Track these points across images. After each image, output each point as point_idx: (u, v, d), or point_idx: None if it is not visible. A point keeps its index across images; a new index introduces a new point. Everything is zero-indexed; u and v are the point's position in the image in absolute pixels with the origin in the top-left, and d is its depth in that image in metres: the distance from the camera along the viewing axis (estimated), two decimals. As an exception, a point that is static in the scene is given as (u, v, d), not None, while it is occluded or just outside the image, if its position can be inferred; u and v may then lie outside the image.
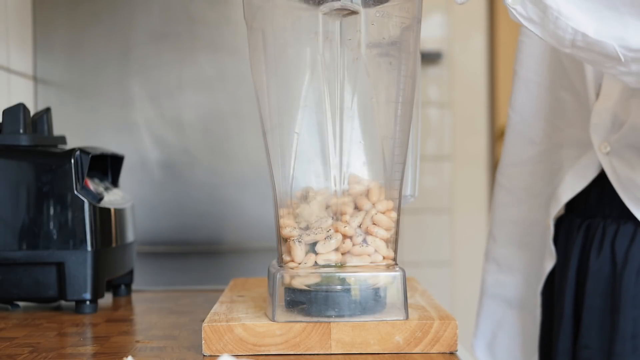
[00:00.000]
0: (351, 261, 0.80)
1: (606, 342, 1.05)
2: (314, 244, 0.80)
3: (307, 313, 0.79)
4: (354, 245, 0.80)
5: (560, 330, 1.12)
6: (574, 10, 0.81)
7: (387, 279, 0.80)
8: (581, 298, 1.10)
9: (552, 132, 1.19)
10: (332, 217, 0.81)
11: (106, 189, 1.13)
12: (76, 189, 1.03)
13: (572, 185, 1.12)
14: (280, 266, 0.81)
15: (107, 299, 1.14)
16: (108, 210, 1.07)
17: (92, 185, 1.07)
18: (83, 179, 1.04)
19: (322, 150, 0.82)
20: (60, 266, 1.02)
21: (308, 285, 0.79)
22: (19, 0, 1.59)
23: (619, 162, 1.06)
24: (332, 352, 0.78)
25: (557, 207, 1.15)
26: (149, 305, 1.12)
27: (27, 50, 1.63)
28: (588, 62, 0.87)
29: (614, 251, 1.06)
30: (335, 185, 0.82)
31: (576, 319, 1.11)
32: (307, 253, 0.80)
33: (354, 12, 0.81)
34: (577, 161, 1.13)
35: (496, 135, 2.50)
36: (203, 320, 0.80)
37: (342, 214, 0.81)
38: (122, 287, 1.17)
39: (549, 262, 1.16)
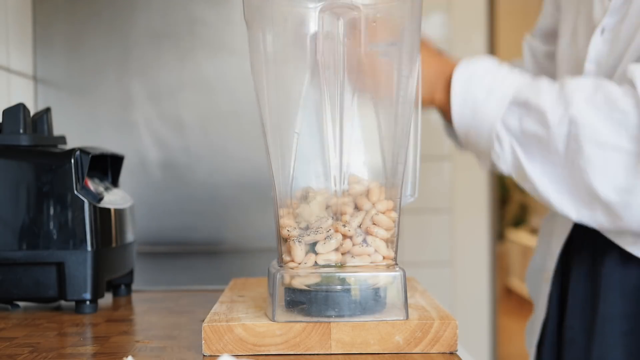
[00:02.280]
0: (351, 261, 0.80)
1: (587, 323, 1.11)
2: (314, 244, 0.80)
3: (307, 313, 0.79)
4: (354, 245, 0.80)
5: (549, 313, 1.19)
6: None
7: (387, 279, 0.80)
8: (567, 284, 1.16)
9: None
10: (332, 217, 0.81)
11: (106, 189, 1.13)
12: (76, 189, 1.03)
13: (559, 233, 1.17)
14: (280, 266, 0.81)
15: (107, 299, 1.14)
16: (108, 210, 1.07)
17: (92, 185, 1.07)
18: (83, 179, 1.04)
19: (322, 150, 0.82)
20: (60, 266, 1.02)
21: (308, 285, 0.79)
22: (19, 0, 1.59)
23: None
24: (332, 352, 0.78)
25: (553, 260, 1.19)
26: (149, 305, 1.12)
27: (27, 50, 1.63)
28: None
29: (595, 240, 1.10)
30: (335, 185, 0.82)
31: (562, 304, 1.18)
32: (307, 253, 0.80)
33: (354, 12, 0.81)
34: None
35: (496, 135, 2.50)
36: (203, 320, 0.80)
37: (342, 214, 0.81)
38: (122, 287, 1.17)
39: (541, 313, 1.21)
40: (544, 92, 1.01)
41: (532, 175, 1.01)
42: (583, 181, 0.97)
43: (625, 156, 0.95)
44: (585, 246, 1.12)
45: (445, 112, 1.10)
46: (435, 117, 1.17)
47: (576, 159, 0.97)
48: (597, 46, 1.09)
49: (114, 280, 1.15)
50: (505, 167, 1.03)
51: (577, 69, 1.15)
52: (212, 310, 0.85)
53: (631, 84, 0.98)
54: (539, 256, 1.28)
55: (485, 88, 1.04)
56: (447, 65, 1.09)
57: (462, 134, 1.06)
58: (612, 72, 1.08)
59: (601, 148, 0.96)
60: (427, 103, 1.09)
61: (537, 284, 1.28)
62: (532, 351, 1.25)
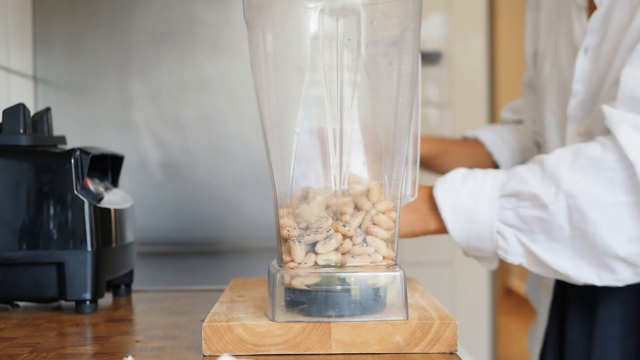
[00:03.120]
0: (351, 261, 0.80)
1: (587, 326, 1.15)
2: (314, 244, 0.80)
3: (307, 313, 0.79)
4: (354, 245, 0.80)
5: (550, 321, 1.23)
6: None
7: (387, 279, 0.80)
8: (567, 292, 1.20)
9: None
10: (332, 217, 0.81)
11: (106, 189, 1.13)
12: (76, 189, 1.03)
13: None
14: (280, 266, 0.81)
15: (107, 299, 1.14)
16: (108, 210, 1.07)
17: (92, 185, 1.07)
18: (83, 179, 1.04)
19: (322, 150, 0.82)
20: (60, 266, 1.02)
21: (308, 285, 0.79)
22: (19, 0, 1.59)
23: None
24: (332, 352, 0.78)
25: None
26: (149, 305, 1.12)
27: (27, 50, 1.63)
28: None
29: None
30: (335, 185, 0.82)
31: (563, 311, 1.22)
32: (307, 253, 0.80)
33: (354, 12, 0.81)
34: None
35: (496, 135, 2.50)
36: (203, 320, 0.80)
37: (342, 214, 0.81)
38: (122, 287, 1.17)
39: (543, 321, 1.24)
40: (527, 177, 1.02)
41: (545, 257, 1.02)
42: (596, 245, 0.99)
43: (628, 208, 0.98)
44: None
45: (443, 232, 1.10)
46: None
47: (584, 227, 0.99)
48: (582, 66, 1.13)
49: (114, 280, 1.15)
50: (515, 258, 1.04)
51: (564, 90, 1.17)
52: (212, 310, 0.85)
53: (609, 133, 1.01)
54: None
55: (469, 194, 1.05)
56: (424, 192, 1.10)
57: (464, 243, 1.07)
58: (597, 91, 1.10)
59: (603, 208, 0.98)
60: (424, 234, 1.10)
61: (537, 293, 1.30)
62: (535, 357, 1.27)
